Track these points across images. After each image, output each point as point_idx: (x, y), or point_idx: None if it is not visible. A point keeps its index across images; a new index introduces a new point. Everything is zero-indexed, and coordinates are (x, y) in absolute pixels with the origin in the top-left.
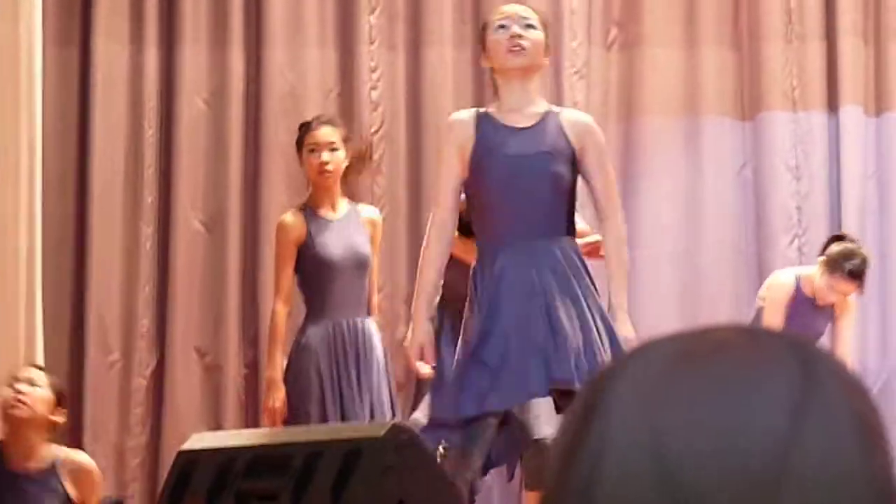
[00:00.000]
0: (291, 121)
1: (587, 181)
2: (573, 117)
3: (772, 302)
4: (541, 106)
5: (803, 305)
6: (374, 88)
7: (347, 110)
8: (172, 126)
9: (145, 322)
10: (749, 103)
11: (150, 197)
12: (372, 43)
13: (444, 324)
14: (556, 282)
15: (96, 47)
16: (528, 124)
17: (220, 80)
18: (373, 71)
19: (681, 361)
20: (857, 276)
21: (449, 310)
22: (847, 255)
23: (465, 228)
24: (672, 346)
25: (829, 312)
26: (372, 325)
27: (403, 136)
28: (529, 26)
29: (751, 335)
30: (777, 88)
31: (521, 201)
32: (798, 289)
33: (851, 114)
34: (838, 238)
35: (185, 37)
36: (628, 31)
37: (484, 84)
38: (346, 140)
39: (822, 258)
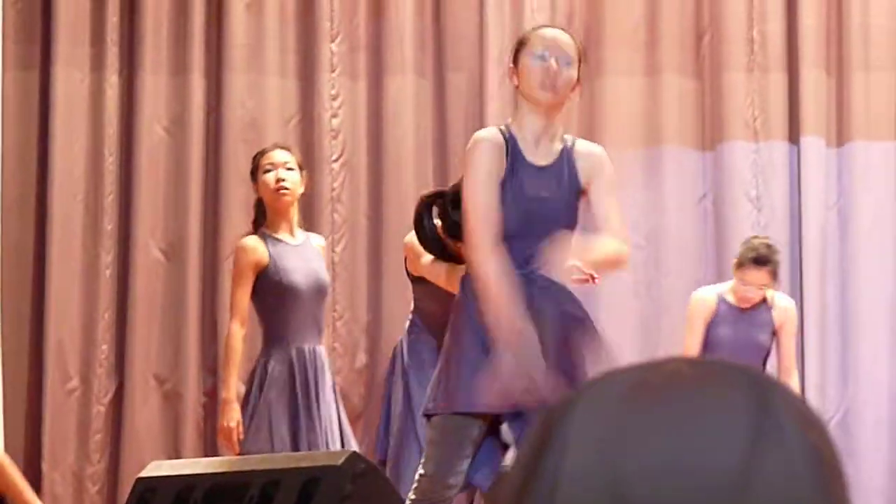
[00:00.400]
0: (252, 149)
1: (594, 210)
2: (585, 150)
3: (689, 318)
4: (558, 140)
5: (731, 315)
6: (334, 116)
7: (308, 138)
8: (132, 153)
9: (104, 349)
10: (710, 133)
11: (109, 224)
12: (333, 71)
13: (424, 356)
14: (560, 319)
15: (56, 73)
16: (547, 163)
17: (181, 107)
18: (333, 99)
19: (635, 394)
20: (763, 261)
21: (428, 340)
22: (751, 247)
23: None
24: (626, 378)
25: (767, 324)
26: (324, 353)
27: (364, 164)
28: (568, 63)
29: (706, 367)
30: (739, 119)
31: (533, 239)
32: (721, 301)
33: (813, 145)
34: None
35: (146, 64)
36: (590, 60)
37: (444, 112)
38: (301, 166)
39: (734, 261)
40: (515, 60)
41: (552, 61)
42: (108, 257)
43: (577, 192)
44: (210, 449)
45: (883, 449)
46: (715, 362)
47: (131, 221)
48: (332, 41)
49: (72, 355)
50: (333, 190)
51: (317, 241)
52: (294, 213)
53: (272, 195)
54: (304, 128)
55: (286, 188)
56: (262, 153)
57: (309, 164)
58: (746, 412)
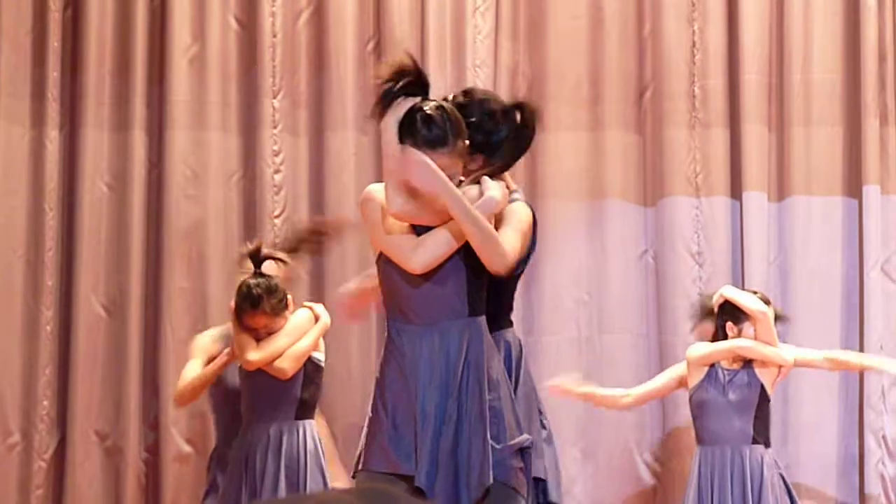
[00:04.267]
0: (193, 204)
1: None
2: None
3: None
4: None
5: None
6: (276, 172)
7: (250, 194)
8: (74, 209)
9: (46, 404)
10: (652, 188)
11: (50, 280)
12: (275, 127)
13: None
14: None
15: None
16: None
17: (123, 163)
18: (276, 155)
19: None
20: None
21: None
22: None
23: None
24: None
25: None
26: None
27: (306, 220)
28: None
29: (366, 499)
30: (680, 174)
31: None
32: None
33: (754, 200)
34: None
35: (87, 120)
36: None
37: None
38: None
39: None
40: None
41: None
42: (48, 313)
43: None
44: None
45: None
46: (379, 493)
47: (72, 277)
48: (275, 97)
49: (13, 411)
50: (275, 245)
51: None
52: None
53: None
54: (245, 184)
55: None
56: None
57: (251, 219)
58: None
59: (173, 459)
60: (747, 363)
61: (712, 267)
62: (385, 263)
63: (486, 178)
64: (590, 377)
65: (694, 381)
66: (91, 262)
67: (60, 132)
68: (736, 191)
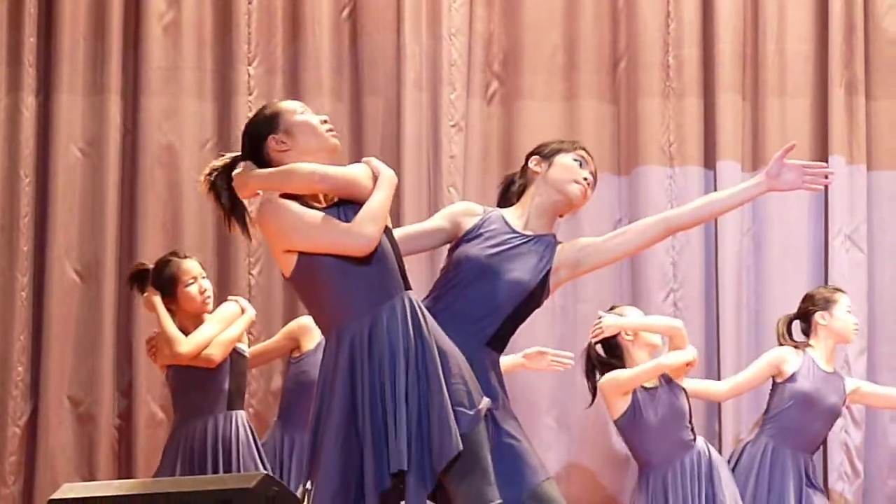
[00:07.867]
0: (167, 171)
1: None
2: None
3: None
4: None
5: None
6: None
7: None
8: (48, 174)
9: (20, 371)
10: (626, 158)
11: (25, 246)
12: (250, 94)
13: None
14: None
15: None
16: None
17: (97, 128)
18: None
19: None
20: None
21: None
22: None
23: None
24: None
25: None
26: None
27: None
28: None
29: None
30: (654, 144)
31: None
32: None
33: (728, 169)
34: None
35: (63, 85)
36: (508, 85)
37: (361, 136)
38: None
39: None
40: (547, 156)
41: (587, 172)
42: (23, 279)
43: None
44: (124, 471)
45: None
46: None
47: (47, 243)
48: (250, 64)
49: None
50: (249, 213)
51: None
52: None
53: (199, 307)
54: (220, 150)
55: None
56: (175, 264)
57: None
58: None
59: (146, 426)
60: (663, 375)
61: (685, 237)
62: (316, 271)
63: (371, 158)
64: (563, 345)
65: (620, 410)
66: (65, 228)
67: (36, 98)
68: (710, 160)
